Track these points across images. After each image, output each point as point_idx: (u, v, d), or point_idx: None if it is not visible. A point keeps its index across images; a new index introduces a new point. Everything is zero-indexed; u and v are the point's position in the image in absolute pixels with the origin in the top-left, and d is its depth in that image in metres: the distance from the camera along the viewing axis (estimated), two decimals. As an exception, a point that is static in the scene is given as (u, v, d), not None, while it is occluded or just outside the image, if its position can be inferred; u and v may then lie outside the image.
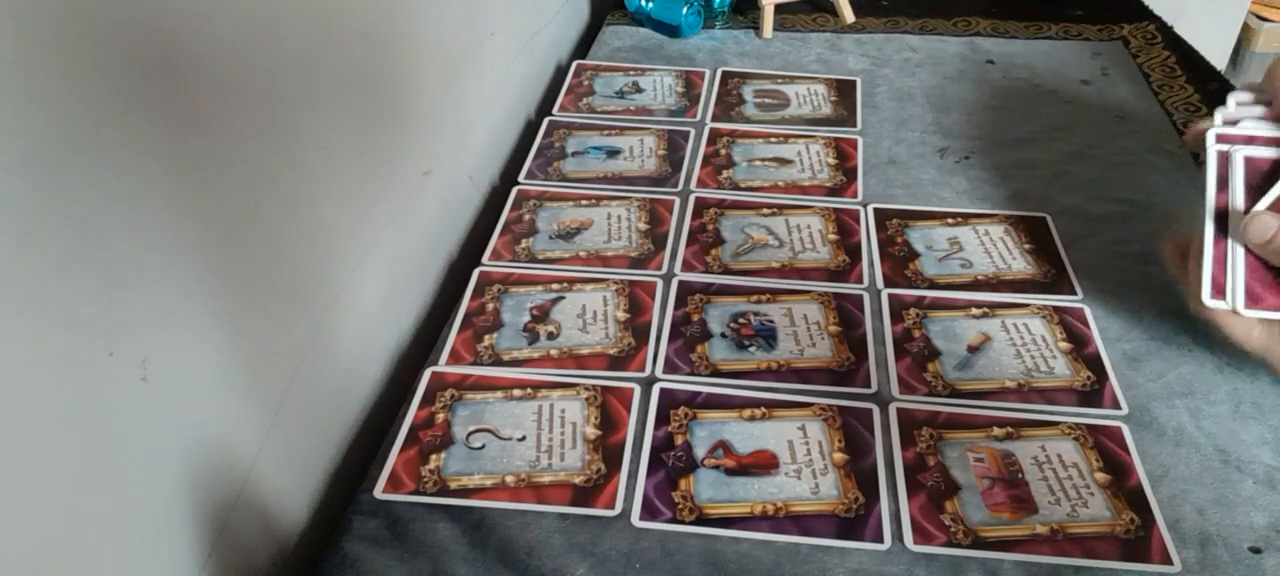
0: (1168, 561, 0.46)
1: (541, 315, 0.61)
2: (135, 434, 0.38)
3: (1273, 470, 0.51)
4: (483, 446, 0.53)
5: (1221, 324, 0.52)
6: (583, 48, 1.01)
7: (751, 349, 0.58)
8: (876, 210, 0.70)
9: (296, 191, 0.49)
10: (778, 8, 0.98)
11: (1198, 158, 0.57)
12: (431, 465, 0.51)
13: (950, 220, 0.69)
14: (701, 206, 0.71)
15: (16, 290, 0.32)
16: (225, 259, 0.43)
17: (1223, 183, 0.50)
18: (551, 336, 0.60)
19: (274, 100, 0.46)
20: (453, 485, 0.50)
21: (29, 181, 0.32)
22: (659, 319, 0.61)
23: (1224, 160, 0.50)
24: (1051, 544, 0.47)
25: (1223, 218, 0.51)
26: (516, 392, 0.56)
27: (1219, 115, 0.51)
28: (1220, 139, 0.50)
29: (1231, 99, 0.52)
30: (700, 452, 0.52)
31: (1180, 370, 0.56)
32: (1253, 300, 0.50)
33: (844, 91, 0.87)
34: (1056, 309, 0.61)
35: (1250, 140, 0.50)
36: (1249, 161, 0.50)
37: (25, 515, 0.33)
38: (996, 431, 0.53)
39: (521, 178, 0.75)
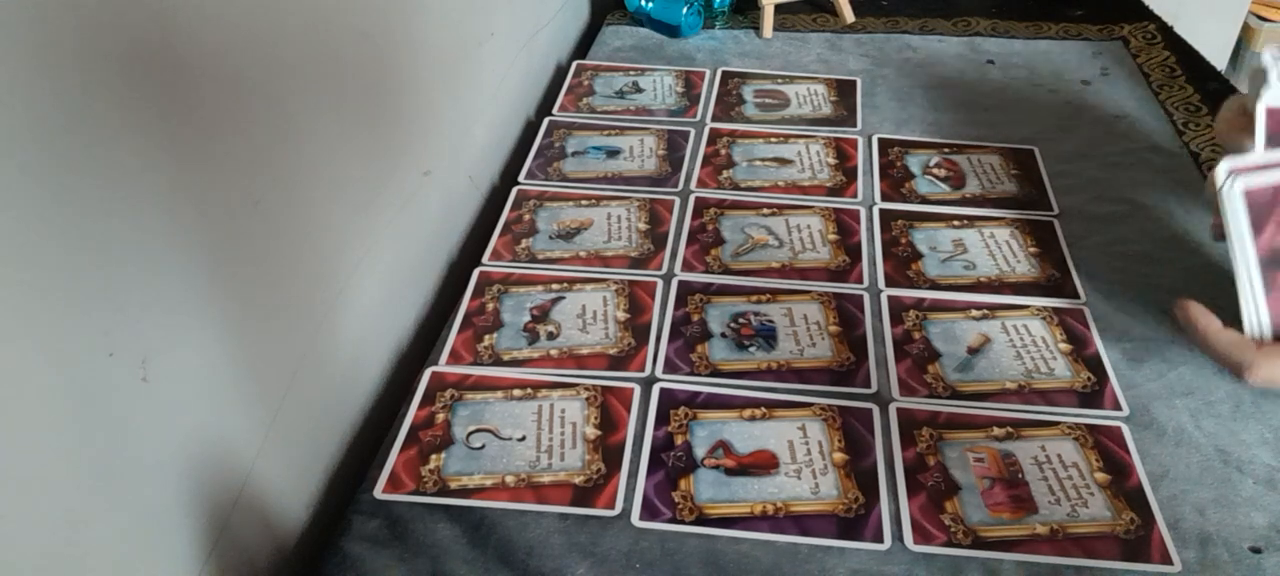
0: (1168, 561, 0.46)
1: (541, 315, 0.61)
2: (135, 434, 0.38)
3: (1273, 470, 0.51)
4: (483, 446, 0.53)
5: None
6: (583, 48, 1.01)
7: (751, 349, 0.58)
8: (882, 211, 0.70)
9: (297, 191, 0.49)
10: (778, 8, 0.98)
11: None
12: (431, 465, 0.51)
13: (956, 222, 0.69)
14: (701, 206, 0.71)
15: (17, 290, 0.32)
16: (225, 259, 0.43)
17: (1260, 224, 0.47)
18: (551, 336, 0.60)
19: (274, 100, 0.46)
20: (453, 485, 0.50)
21: (29, 181, 0.32)
22: (659, 319, 0.61)
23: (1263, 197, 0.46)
24: (1051, 544, 0.47)
25: (1270, 260, 0.47)
26: (516, 392, 0.56)
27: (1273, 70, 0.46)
28: (1236, 172, 0.46)
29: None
30: (700, 452, 0.52)
31: (1180, 370, 0.56)
32: None
33: (844, 91, 0.87)
34: (1056, 310, 0.61)
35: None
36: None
37: (26, 515, 0.33)
38: (997, 431, 0.53)
39: (521, 178, 0.75)
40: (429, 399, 0.55)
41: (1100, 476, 0.50)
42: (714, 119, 0.82)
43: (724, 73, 0.90)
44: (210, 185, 0.42)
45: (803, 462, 0.51)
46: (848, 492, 0.50)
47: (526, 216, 0.70)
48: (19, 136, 0.31)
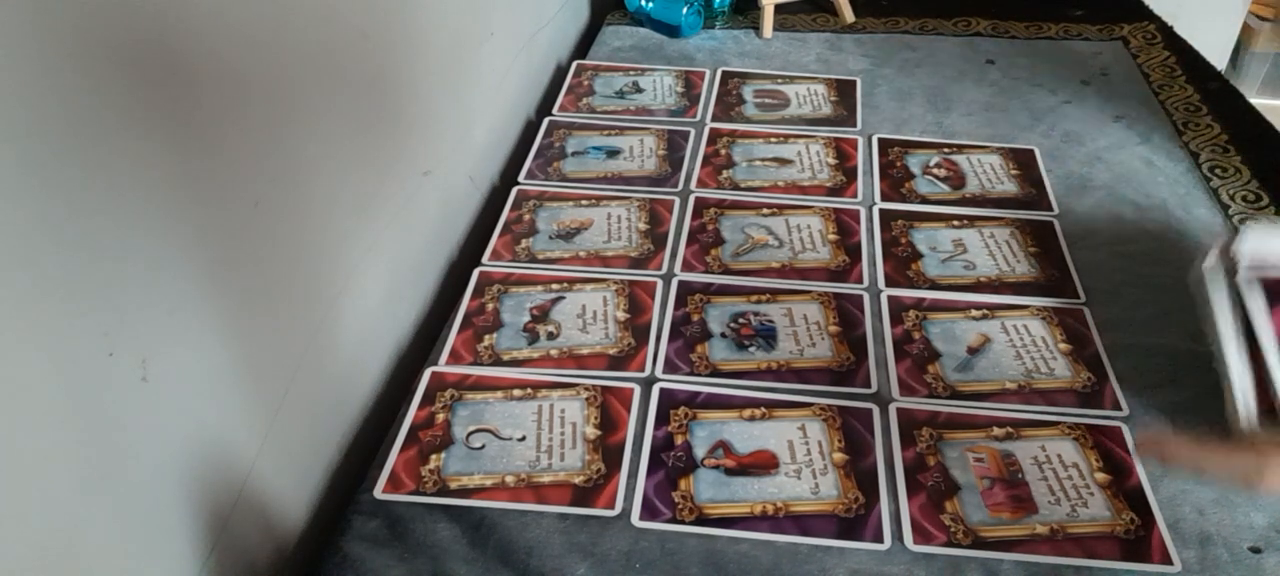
0: (1168, 561, 0.46)
1: (541, 315, 0.61)
2: (135, 434, 0.38)
3: (1273, 470, 0.51)
4: (483, 446, 0.52)
5: None
6: (583, 48, 1.01)
7: (751, 349, 0.58)
8: (882, 211, 0.70)
9: (297, 192, 0.49)
10: (778, 8, 0.98)
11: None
12: (431, 465, 0.51)
13: (956, 222, 0.69)
14: (701, 206, 0.71)
15: (17, 290, 0.32)
16: (225, 259, 0.43)
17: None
18: (551, 336, 0.60)
19: (274, 101, 0.46)
20: (453, 485, 0.50)
21: (30, 182, 0.32)
22: (659, 319, 0.61)
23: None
24: (1051, 544, 0.47)
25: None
26: (516, 392, 0.56)
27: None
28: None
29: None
30: (700, 452, 0.52)
31: (1180, 369, 0.56)
32: None
33: (844, 91, 0.87)
34: (1056, 310, 0.61)
35: None
36: None
37: (26, 515, 0.33)
38: (996, 431, 0.53)
39: (521, 178, 0.75)
40: (429, 399, 0.55)
41: (1100, 476, 0.50)
42: (714, 119, 0.82)
43: (724, 73, 0.90)
44: (210, 185, 0.42)
45: (803, 462, 0.51)
46: (848, 492, 0.50)
47: (526, 216, 0.70)
48: (19, 136, 0.31)
